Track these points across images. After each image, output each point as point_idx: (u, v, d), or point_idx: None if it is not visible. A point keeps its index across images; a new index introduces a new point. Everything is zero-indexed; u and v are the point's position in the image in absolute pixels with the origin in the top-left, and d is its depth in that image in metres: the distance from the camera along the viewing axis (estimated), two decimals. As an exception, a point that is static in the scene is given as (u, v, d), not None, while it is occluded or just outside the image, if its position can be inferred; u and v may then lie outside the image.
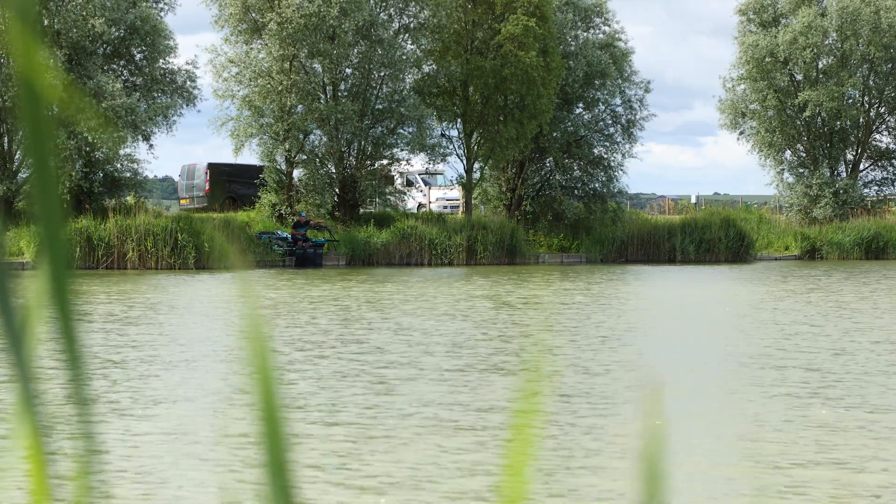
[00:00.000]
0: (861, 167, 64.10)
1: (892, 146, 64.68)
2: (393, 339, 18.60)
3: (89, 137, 43.70)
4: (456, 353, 16.72)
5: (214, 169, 54.63)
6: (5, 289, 0.81)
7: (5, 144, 45.75)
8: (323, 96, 49.68)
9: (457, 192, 57.24)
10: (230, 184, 54.33)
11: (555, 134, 55.31)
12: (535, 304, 26.44)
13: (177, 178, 57.79)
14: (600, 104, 56.67)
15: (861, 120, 63.10)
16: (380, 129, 50.85)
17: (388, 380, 14.19)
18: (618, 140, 56.68)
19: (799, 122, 62.63)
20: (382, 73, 50.08)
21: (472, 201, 54.62)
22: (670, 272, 43.80)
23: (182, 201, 55.40)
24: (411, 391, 13.30)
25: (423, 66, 52.51)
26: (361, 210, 51.02)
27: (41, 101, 0.84)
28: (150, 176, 53.60)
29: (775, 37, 61.72)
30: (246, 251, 42.26)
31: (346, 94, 50.12)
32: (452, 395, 12.98)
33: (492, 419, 11.54)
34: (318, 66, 49.36)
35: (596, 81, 55.53)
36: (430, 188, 59.99)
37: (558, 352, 16.93)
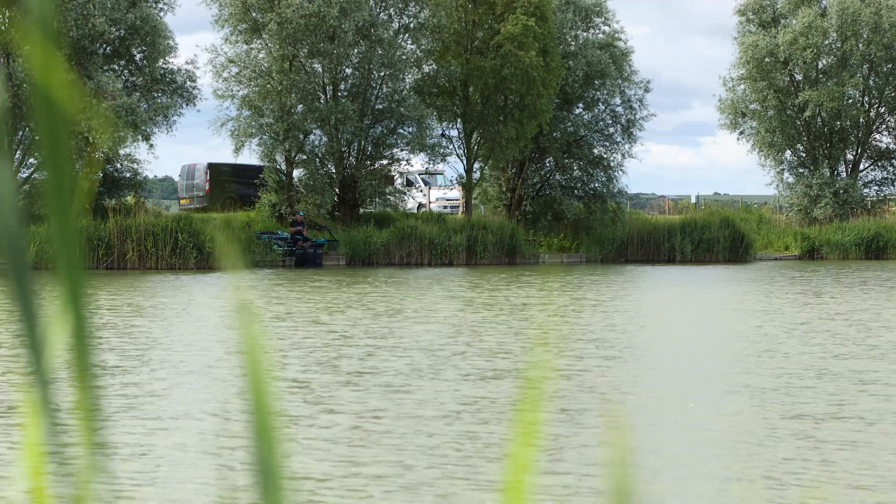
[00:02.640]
0: (861, 167, 64.11)
1: (892, 146, 64.70)
2: (338, 342, 18.40)
3: (90, 138, 43.71)
4: (399, 357, 16.53)
5: (214, 169, 54.62)
6: (27, 290, 0.82)
7: (5, 144, 45.63)
8: (323, 96, 49.69)
9: (457, 192, 57.24)
10: (230, 184, 54.32)
11: (555, 134, 55.30)
12: (507, 306, 26.29)
13: (177, 178, 57.79)
14: (600, 104, 56.69)
15: (861, 120, 63.10)
16: (380, 129, 50.86)
17: (311, 385, 13.92)
18: (617, 140, 56.73)
19: (799, 122, 62.63)
20: (382, 73, 50.09)
21: (472, 201, 54.63)
22: (664, 273, 43.66)
23: (182, 201, 55.39)
24: (331, 396, 13.09)
25: (423, 66, 52.52)
26: (361, 210, 51.03)
27: (57, 103, 0.85)
28: (150, 176, 53.63)
29: (775, 37, 61.72)
30: (244, 250, 42.23)
31: (346, 94, 50.12)
32: (368, 401, 12.75)
33: (397, 427, 11.18)
34: (318, 66, 49.37)
35: (596, 81, 55.53)
36: (430, 188, 59.99)
37: (496, 357, 16.68)
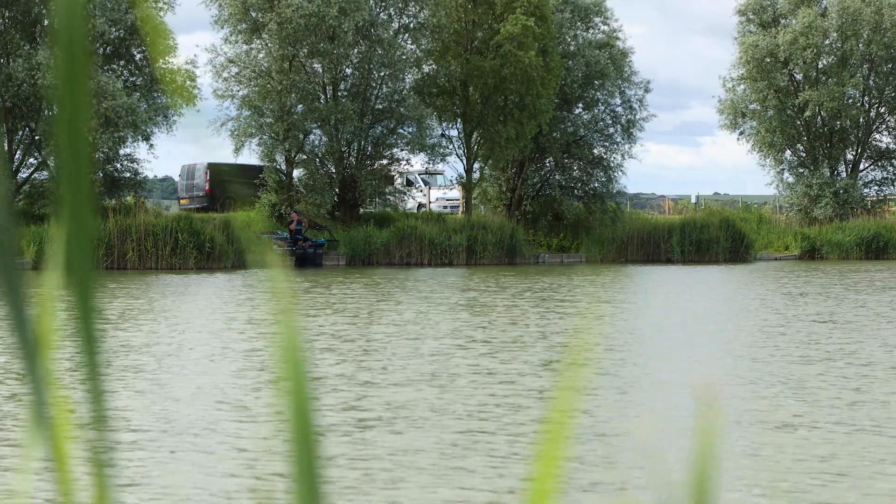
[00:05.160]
0: (861, 167, 64.10)
1: (892, 146, 64.70)
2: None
3: (90, 137, 43.63)
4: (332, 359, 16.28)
5: (214, 169, 54.59)
6: (17, 288, 0.81)
7: (5, 144, 45.73)
8: (323, 96, 49.68)
9: (457, 192, 57.22)
10: (230, 184, 54.28)
11: (554, 134, 55.28)
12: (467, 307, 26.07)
13: (177, 179, 57.78)
14: (600, 104, 56.65)
15: (861, 120, 63.09)
16: (380, 129, 50.86)
17: (224, 389, 13.66)
18: (617, 140, 56.66)
19: (799, 122, 62.62)
20: (382, 73, 50.08)
21: (472, 201, 54.62)
22: (656, 273, 43.28)
23: (182, 201, 55.37)
24: (239, 401, 12.85)
25: (423, 66, 52.51)
26: (361, 210, 51.03)
27: (80, 107, 0.84)
28: (150, 176, 53.63)
29: (775, 37, 61.71)
30: (249, 250, 42.22)
31: (346, 94, 50.12)
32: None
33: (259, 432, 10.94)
34: (318, 66, 49.37)
35: (595, 82, 55.49)
36: (430, 188, 59.97)
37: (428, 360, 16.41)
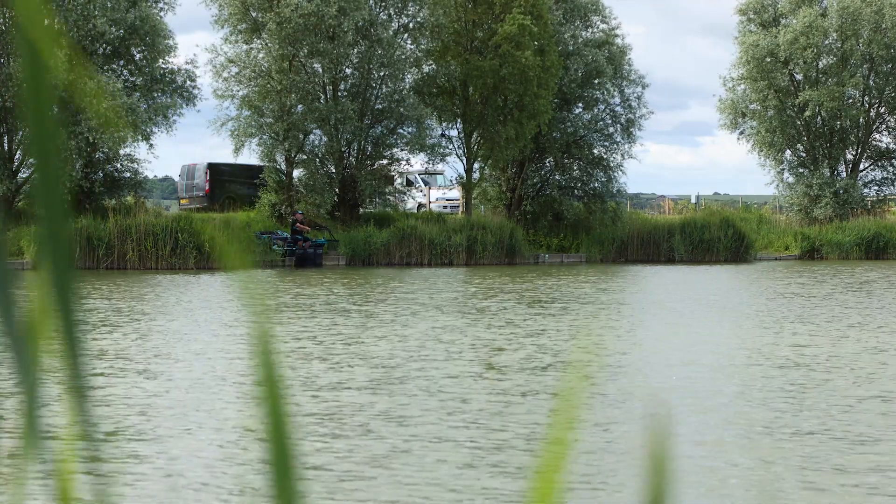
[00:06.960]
0: (861, 167, 64.10)
1: (892, 146, 64.69)
2: (218, 347, 17.89)
3: (90, 137, 43.73)
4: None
5: (214, 169, 54.58)
6: (7, 290, 0.81)
7: (5, 144, 45.75)
8: (323, 96, 49.67)
9: (457, 192, 57.22)
10: (230, 184, 54.29)
11: (554, 134, 55.27)
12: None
13: (177, 179, 57.77)
14: (599, 104, 56.61)
15: (861, 120, 63.09)
16: (380, 129, 50.85)
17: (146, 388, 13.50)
18: (617, 140, 56.64)
19: (799, 122, 62.62)
20: (382, 73, 50.07)
21: (472, 201, 54.61)
22: (653, 273, 43.27)
23: (182, 201, 55.36)
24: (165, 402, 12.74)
25: (423, 66, 52.51)
26: (361, 210, 51.02)
27: (45, 100, 0.84)
28: (150, 176, 53.62)
29: (776, 37, 61.72)
30: (245, 250, 42.17)
31: (345, 94, 50.11)
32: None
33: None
34: (317, 66, 49.36)
35: (595, 80, 55.45)
36: (429, 188, 59.97)
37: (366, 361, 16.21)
